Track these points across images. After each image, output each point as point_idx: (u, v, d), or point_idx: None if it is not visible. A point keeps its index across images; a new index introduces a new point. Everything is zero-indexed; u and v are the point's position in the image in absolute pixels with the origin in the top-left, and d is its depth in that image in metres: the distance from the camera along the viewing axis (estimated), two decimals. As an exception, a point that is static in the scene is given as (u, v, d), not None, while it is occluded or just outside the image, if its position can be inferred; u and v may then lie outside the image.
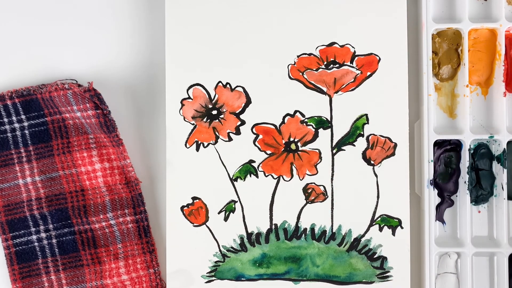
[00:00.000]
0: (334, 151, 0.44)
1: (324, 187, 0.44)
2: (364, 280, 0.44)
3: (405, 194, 0.44)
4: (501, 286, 0.44)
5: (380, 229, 0.44)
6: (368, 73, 0.44)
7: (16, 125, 0.45)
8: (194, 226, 0.44)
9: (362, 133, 0.44)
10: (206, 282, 0.44)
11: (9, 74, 0.46)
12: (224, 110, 0.44)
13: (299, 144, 0.44)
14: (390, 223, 0.44)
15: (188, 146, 0.44)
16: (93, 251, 0.45)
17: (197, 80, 0.44)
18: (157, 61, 0.46)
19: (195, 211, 0.44)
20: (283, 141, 0.44)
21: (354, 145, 0.44)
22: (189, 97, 0.44)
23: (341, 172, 0.44)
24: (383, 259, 0.44)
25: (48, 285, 0.45)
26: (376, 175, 0.44)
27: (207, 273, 0.44)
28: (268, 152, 0.44)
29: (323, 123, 0.44)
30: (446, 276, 0.44)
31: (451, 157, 0.45)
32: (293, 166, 0.44)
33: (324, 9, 0.44)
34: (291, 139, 0.44)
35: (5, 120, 0.45)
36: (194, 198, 0.44)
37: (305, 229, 0.44)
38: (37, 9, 0.46)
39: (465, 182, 0.44)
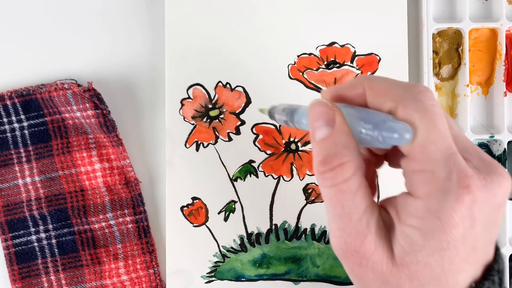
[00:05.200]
0: (334, 151, 0.44)
1: (324, 187, 0.44)
2: (364, 281, 0.44)
3: (406, 194, 0.44)
4: (502, 286, 0.44)
5: (381, 229, 0.44)
6: (369, 73, 0.44)
7: (16, 125, 0.45)
8: (194, 226, 0.44)
9: (362, 133, 0.44)
10: (206, 283, 0.44)
11: (8, 74, 0.46)
12: (224, 110, 0.44)
13: (299, 144, 0.44)
14: (391, 223, 0.44)
15: (188, 146, 0.44)
16: (93, 251, 0.45)
17: (197, 80, 0.44)
18: (157, 61, 0.46)
19: (195, 211, 0.44)
20: (283, 141, 0.44)
21: (355, 145, 0.44)
22: (189, 97, 0.44)
23: (341, 172, 0.44)
24: (384, 259, 0.44)
25: (47, 286, 0.45)
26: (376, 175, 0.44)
27: (207, 273, 0.44)
28: (268, 152, 0.44)
29: (323, 123, 0.44)
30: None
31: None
32: (293, 166, 0.44)
33: (324, 9, 0.44)
34: (291, 139, 0.44)
35: (5, 120, 0.45)
36: (194, 198, 0.44)
37: (305, 230, 0.44)
38: (36, 9, 0.46)
39: (465, 182, 0.44)
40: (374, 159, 0.31)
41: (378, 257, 0.26)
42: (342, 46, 0.44)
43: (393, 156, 0.30)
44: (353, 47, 0.44)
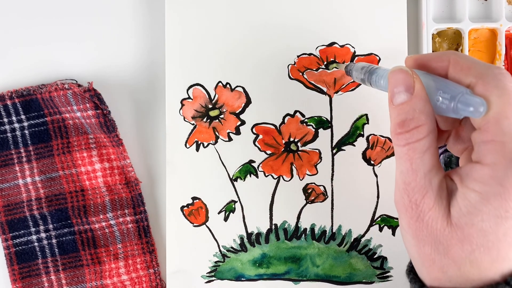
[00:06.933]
0: (334, 151, 0.44)
1: (324, 187, 0.44)
2: (364, 280, 0.44)
3: (405, 194, 0.44)
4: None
5: (380, 229, 0.44)
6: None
7: (16, 125, 0.45)
8: (194, 226, 0.44)
9: (362, 133, 0.44)
10: (206, 282, 0.44)
11: (9, 74, 0.46)
12: (224, 110, 0.44)
13: (299, 144, 0.44)
14: (390, 223, 0.44)
15: (188, 146, 0.44)
16: (93, 251, 0.45)
17: (197, 80, 0.44)
18: (157, 61, 0.46)
19: (195, 211, 0.44)
20: (283, 141, 0.44)
21: (354, 145, 0.44)
22: (189, 97, 0.44)
23: (341, 172, 0.44)
24: (383, 259, 0.44)
25: (48, 285, 0.45)
26: (376, 175, 0.44)
27: (207, 273, 0.44)
28: (268, 152, 0.44)
29: (323, 123, 0.44)
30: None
31: (451, 157, 0.45)
32: (293, 166, 0.44)
33: (324, 9, 0.44)
34: (291, 139, 0.44)
35: (5, 120, 0.45)
36: (194, 198, 0.44)
37: (305, 229, 0.44)
38: (36, 9, 0.46)
39: (465, 182, 0.44)
40: (439, 135, 0.33)
41: (435, 214, 0.28)
42: (342, 46, 0.44)
43: (456, 137, 0.33)
44: (353, 47, 0.44)
